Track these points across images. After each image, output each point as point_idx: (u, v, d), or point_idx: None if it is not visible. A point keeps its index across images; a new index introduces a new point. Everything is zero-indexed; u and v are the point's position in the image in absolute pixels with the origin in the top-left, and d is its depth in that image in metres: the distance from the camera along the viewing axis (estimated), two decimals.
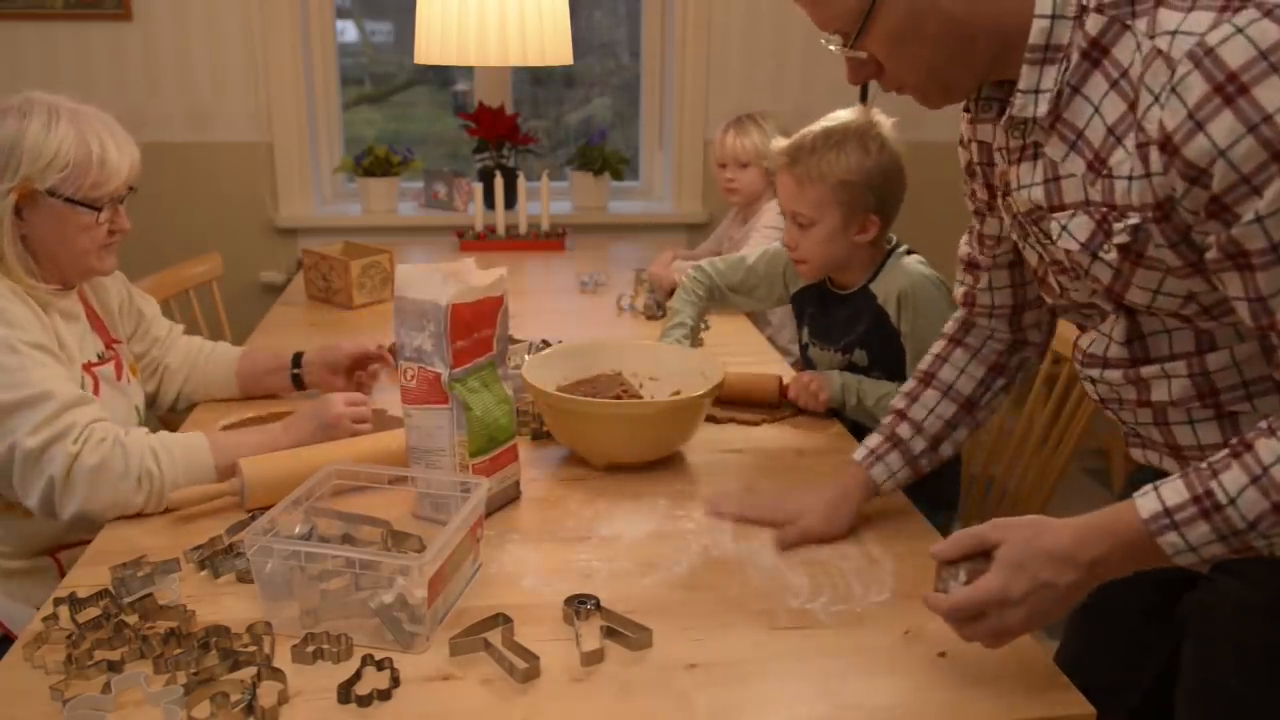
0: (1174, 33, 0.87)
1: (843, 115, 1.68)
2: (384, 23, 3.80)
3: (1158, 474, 1.01)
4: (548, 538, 1.31)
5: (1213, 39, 0.84)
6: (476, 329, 1.32)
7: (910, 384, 1.36)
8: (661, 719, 0.97)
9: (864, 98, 3.07)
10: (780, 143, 1.71)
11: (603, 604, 1.12)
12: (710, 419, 1.66)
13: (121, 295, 1.70)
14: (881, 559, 1.25)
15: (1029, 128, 1.01)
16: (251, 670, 1.01)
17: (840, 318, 1.77)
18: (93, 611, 1.11)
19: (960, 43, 0.99)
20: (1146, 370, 1.06)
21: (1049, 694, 1.01)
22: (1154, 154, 0.89)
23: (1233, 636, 1.09)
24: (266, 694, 0.97)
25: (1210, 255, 0.90)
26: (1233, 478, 0.90)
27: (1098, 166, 0.96)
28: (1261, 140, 0.82)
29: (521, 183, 3.15)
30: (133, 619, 1.10)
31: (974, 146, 1.16)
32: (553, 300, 2.56)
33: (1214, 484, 0.91)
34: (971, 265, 1.29)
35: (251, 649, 1.04)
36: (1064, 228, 1.01)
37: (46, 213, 1.42)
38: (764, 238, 2.55)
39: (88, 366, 1.51)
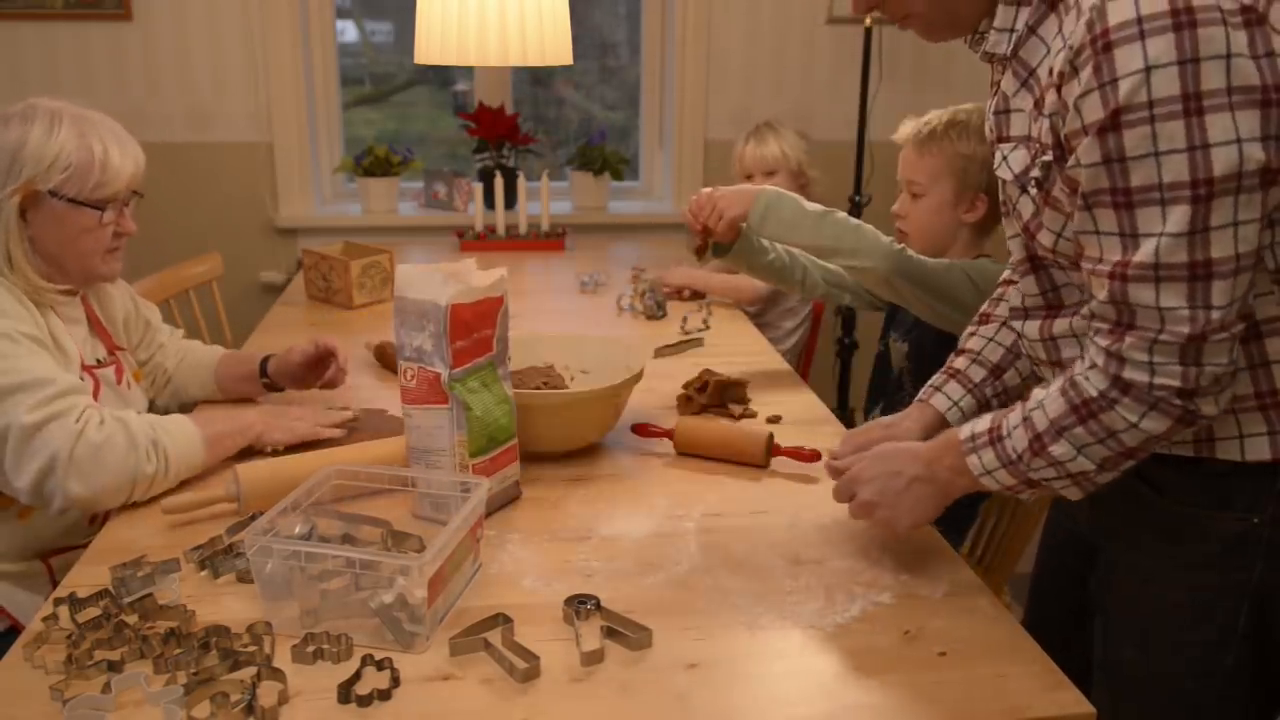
0: None
1: (967, 106, 1.79)
2: (384, 23, 3.79)
3: None
4: (548, 538, 1.31)
5: None
6: (476, 329, 1.32)
7: (971, 325, 1.39)
8: (661, 719, 0.97)
9: (864, 88, 3.07)
10: (910, 123, 1.82)
11: (603, 604, 1.12)
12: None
13: (127, 307, 1.70)
14: (881, 560, 1.25)
15: (999, 65, 1.09)
16: (251, 670, 1.01)
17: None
18: (93, 611, 1.11)
19: None
20: (1058, 326, 1.14)
21: (1049, 694, 1.01)
22: (1050, 94, 0.98)
23: (1123, 604, 1.18)
24: (266, 694, 0.97)
25: (1067, 197, 1.00)
26: (1014, 414, 1.08)
27: (1040, 105, 1.02)
28: (1103, 98, 0.90)
29: (521, 183, 3.15)
30: (133, 619, 1.10)
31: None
32: (553, 300, 2.56)
33: (1004, 419, 1.08)
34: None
35: (251, 649, 1.04)
36: (1005, 158, 1.09)
37: (50, 214, 1.42)
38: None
39: (88, 369, 1.51)
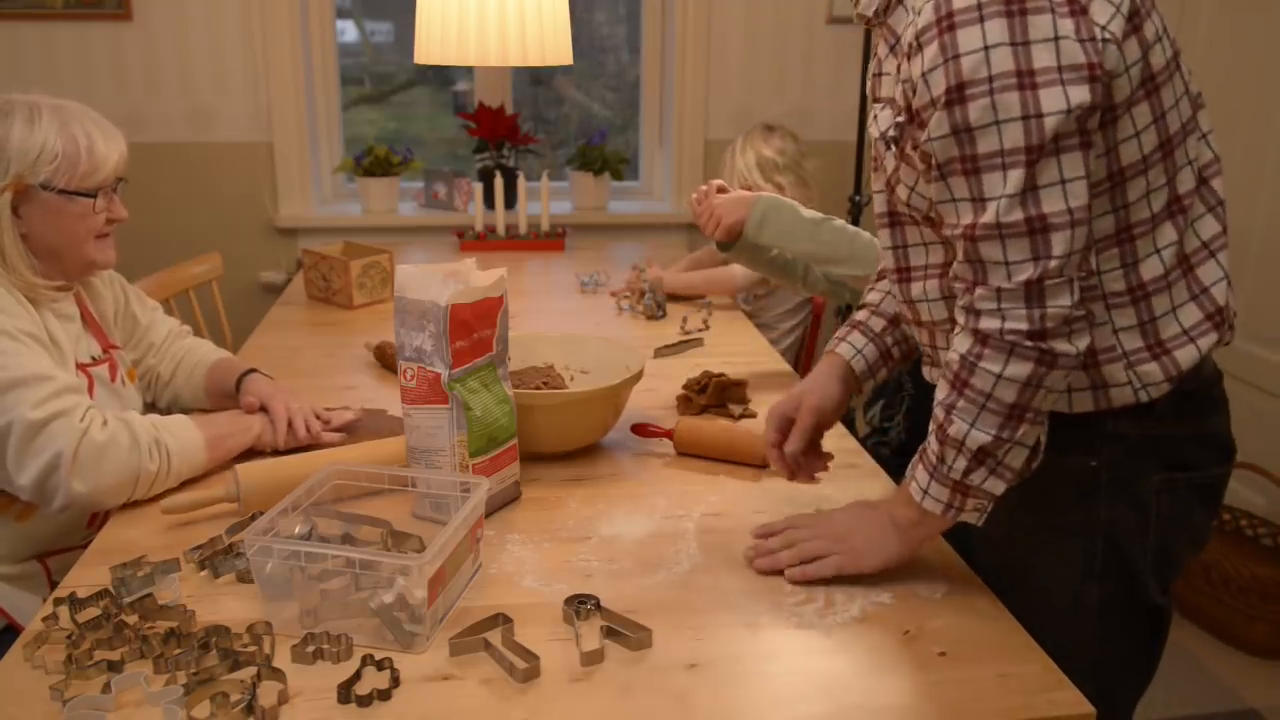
0: None
1: None
2: (384, 23, 3.79)
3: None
4: (548, 538, 1.31)
5: None
6: (476, 329, 1.32)
7: (871, 282, 1.46)
8: (661, 719, 0.97)
9: (864, 88, 3.07)
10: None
11: (603, 604, 1.12)
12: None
13: (118, 302, 1.69)
14: None
15: (874, 28, 1.16)
16: (251, 670, 1.01)
17: None
18: (93, 611, 1.11)
19: None
20: (915, 290, 1.22)
21: (1049, 694, 1.01)
22: (904, 64, 1.06)
23: (995, 552, 1.25)
24: (266, 694, 0.97)
25: (921, 164, 1.07)
26: (931, 422, 1.12)
27: (902, 68, 1.09)
28: (946, 72, 0.99)
29: (521, 183, 3.15)
30: (133, 619, 1.10)
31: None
32: (553, 300, 2.56)
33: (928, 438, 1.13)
34: None
35: (251, 649, 1.04)
36: (875, 117, 1.17)
37: (43, 207, 1.42)
38: None
39: (82, 366, 1.51)
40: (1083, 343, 1.05)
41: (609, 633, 1.08)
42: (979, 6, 0.97)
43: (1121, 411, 1.14)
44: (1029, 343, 1.03)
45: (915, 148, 1.08)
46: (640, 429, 1.61)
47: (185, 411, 1.75)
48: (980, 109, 0.98)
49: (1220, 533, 2.71)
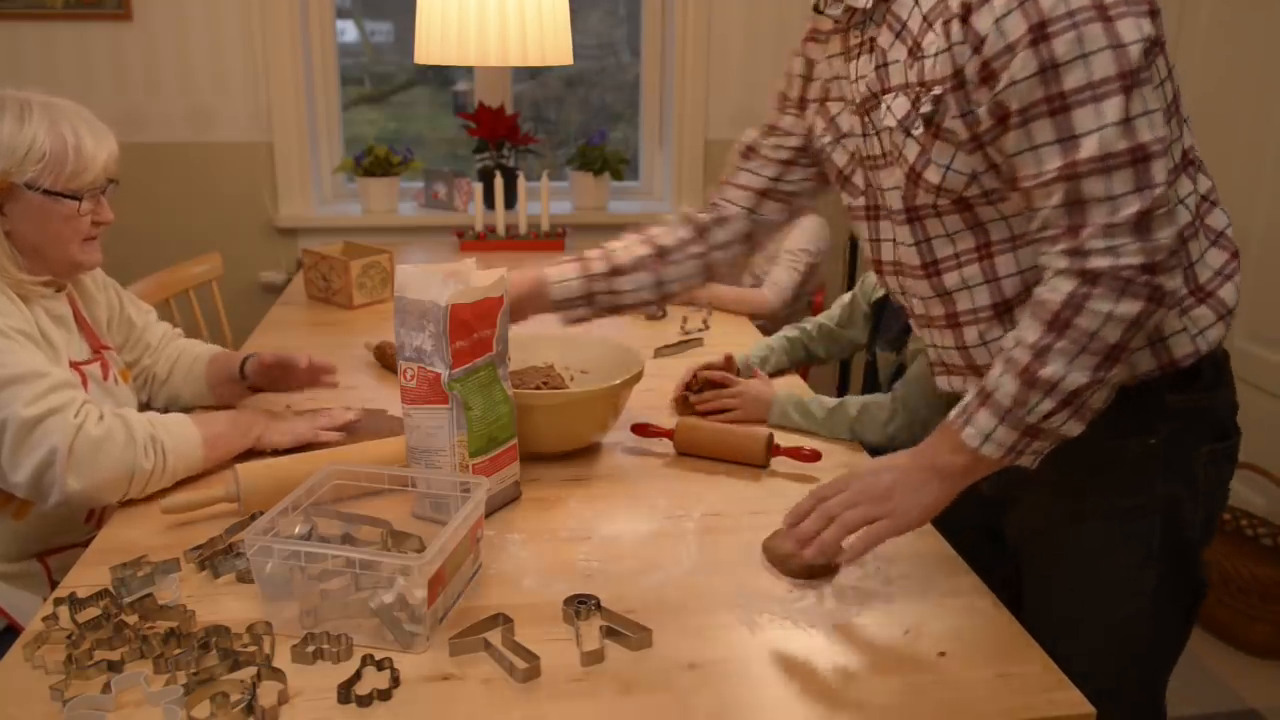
0: None
1: None
2: (384, 23, 3.79)
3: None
4: (548, 538, 1.31)
5: None
6: (477, 329, 1.32)
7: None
8: (661, 719, 0.97)
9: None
10: None
11: (603, 604, 1.12)
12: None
13: (112, 307, 1.69)
14: (881, 560, 1.25)
15: (866, 23, 1.17)
16: (251, 670, 1.01)
17: (901, 320, 1.78)
18: (93, 611, 1.11)
19: None
20: (949, 280, 1.20)
21: (1049, 694, 1.01)
22: (955, 26, 1.05)
23: (1051, 546, 1.23)
24: (266, 694, 0.97)
25: (983, 125, 1.07)
26: (995, 367, 1.10)
27: (915, 51, 1.11)
28: (1024, 13, 1.00)
29: (521, 183, 3.15)
30: (133, 619, 1.10)
31: (803, 61, 1.38)
32: None
33: (985, 380, 1.10)
34: (749, 151, 1.47)
35: (251, 649, 1.04)
36: (888, 108, 1.16)
37: (27, 206, 1.41)
38: (790, 259, 2.58)
39: (75, 365, 1.50)
40: (1179, 279, 1.06)
41: (609, 633, 1.08)
42: None
43: (1176, 380, 1.15)
44: (1143, 277, 1.02)
45: (967, 113, 1.07)
46: (640, 429, 1.61)
47: (185, 410, 1.75)
48: (1067, 43, 0.99)
49: (1220, 533, 2.71)
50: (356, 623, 1.08)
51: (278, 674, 1.00)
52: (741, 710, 0.98)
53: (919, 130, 1.12)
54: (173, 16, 3.11)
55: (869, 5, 1.15)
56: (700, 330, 2.26)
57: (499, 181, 3.04)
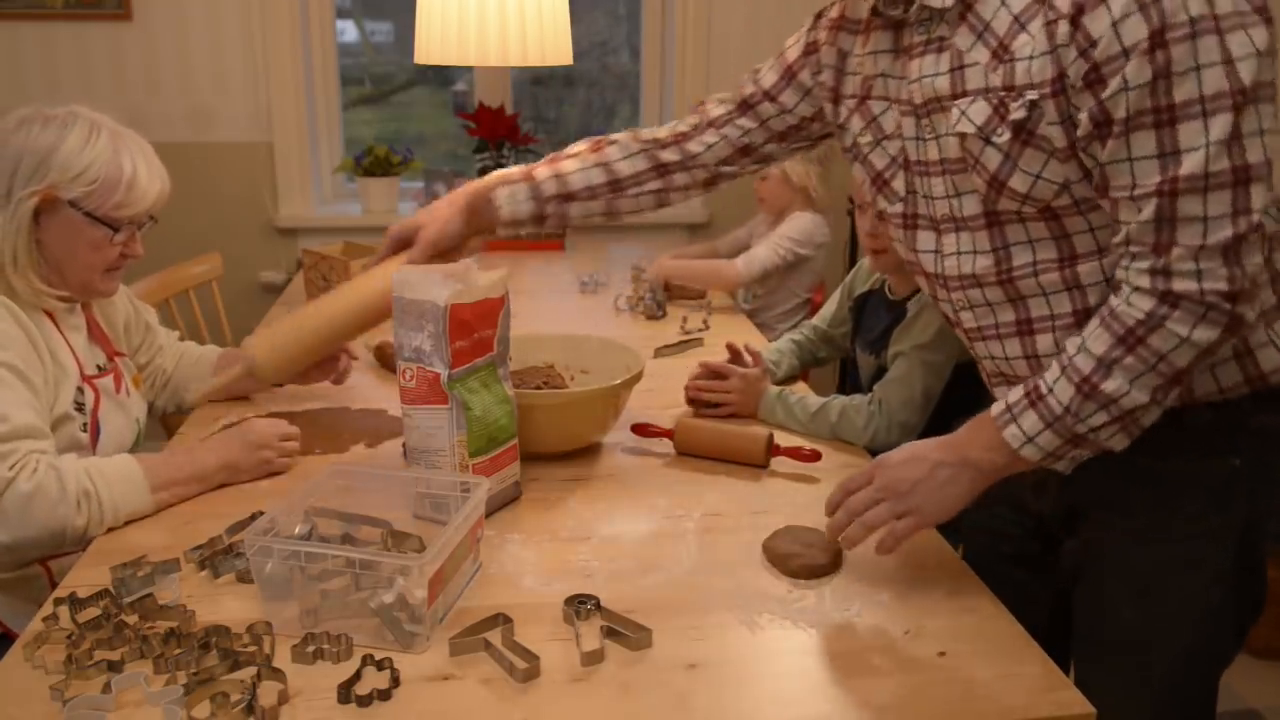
0: None
1: None
2: (384, 23, 3.79)
3: None
4: (548, 538, 1.31)
5: None
6: (476, 329, 1.32)
7: (585, 144, 1.49)
8: (661, 719, 0.97)
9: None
10: None
11: (603, 604, 1.12)
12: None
13: (128, 311, 1.70)
14: (882, 559, 1.25)
15: (935, 22, 1.11)
16: (251, 670, 1.01)
17: (883, 322, 1.78)
18: (93, 611, 1.11)
19: None
20: (1024, 285, 1.14)
21: (1049, 694, 1.01)
22: (1062, 27, 1.00)
23: (1119, 566, 1.19)
24: (266, 694, 0.97)
25: (1081, 130, 1.02)
26: (1051, 371, 1.07)
27: (1001, 54, 1.05)
28: (1145, 17, 0.95)
29: None
30: (133, 619, 1.10)
31: (834, 51, 1.31)
32: (553, 300, 2.56)
33: (1040, 380, 1.07)
34: (746, 103, 1.46)
35: (251, 649, 1.04)
36: (963, 113, 1.10)
37: (64, 223, 1.42)
38: (775, 242, 2.55)
39: (88, 379, 1.50)
40: (1258, 306, 1.03)
41: (609, 633, 1.08)
42: None
43: (1259, 397, 1.12)
44: (1227, 305, 0.99)
45: (1066, 119, 1.03)
46: (640, 429, 1.61)
47: (189, 408, 1.75)
48: (1183, 52, 0.94)
49: None
50: (356, 623, 1.08)
51: (278, 674, 1.00)
52: (741, 710, 0.98)
53: (1003, 137, 1.07)
54: (173, 16, 3.11)
55: (947, 4, 1.10)
56: (700, 330, 2.26)
57: None
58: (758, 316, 2.56)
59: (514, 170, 1.48)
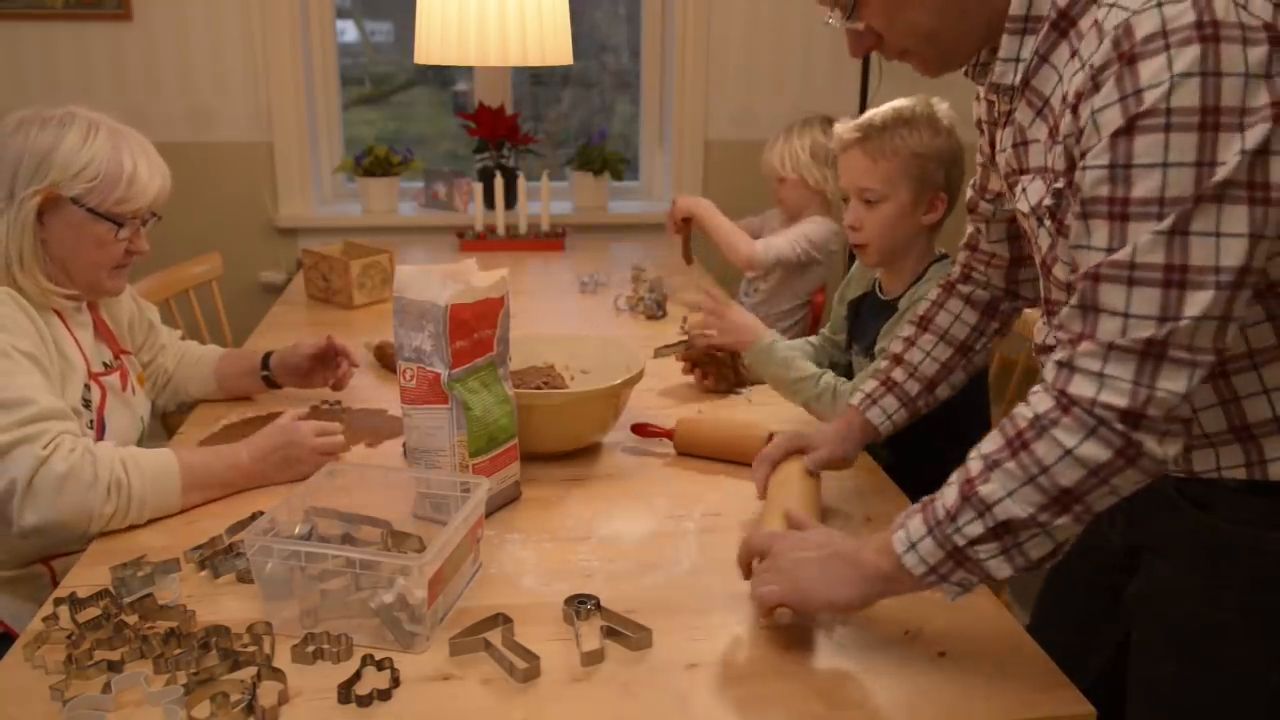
0: (1113, 5, 0.90)
1: (906, 100, 1.69)
2: (384, 23, 3.79)
3: None
4: (548, 538, 1.31)
5: (1134, 6, 0.87)
6: (476, 329, 1.32)
7: (908, 329, 1.41)
8: (661, 719, 0.97)
9: (864, 87, 3.08)
10: (846, 124, 1.71)
11: (603, 604, 1.12)
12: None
13: (132, 310, 1.70)
14: None
15: (1006, 95, 1.05)
16: (251, 670, 1.01)
17: (875, 321, 1.78)
18: (93, 611, 1.11)
19: (954, 8, 1.03)
20: None
21: (1049, 694, 1.01)
22: (1068, 115, 0.93)
23: (1167, 620, 1.11)
24: (266, 694, 0.97)
25: (1071, 214, 0.94)
26: (952, 475, 0.99)
27: (1054, 133, 0.98)
28: (1124, 108, 0.86)
29: (521, 183, 3.15)
30: (133, 619, 1.10)
31: (983, 104, 1.20)
32: (553, 300, 2.56)
33: (943, 487, 0.99)
34: (971, 210, 1.34)
35: (251, 649, 1.04)
36: (1024, 190, 1.05)
37: (67, 221, 1.42)
38: (793, 238, 2.53)
39: (95, 376, 1.50)
40: (1174, 449, 0.90)
41: (609, 633, 1.08)
42: (1164, 34, 0.85)
43: None
44: (1120, 426, 0.88)
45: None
46: (640, 429, 1.61)
47: (191, 403, 1.76)
48: (1147, 145, 0.85)
49: None
50: (356, 623, 1.08)
51: (278, 674, 1.00)
52: (741, 710, 0.98)
53: (1048, 221, 1.00)
54: (173, 16, 3.11)
55: (1016, 83, 1.01)
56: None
57: (499, 181, 3.04)
58: (756, 313, 2.55)
59: (870, 384, 1.40)
